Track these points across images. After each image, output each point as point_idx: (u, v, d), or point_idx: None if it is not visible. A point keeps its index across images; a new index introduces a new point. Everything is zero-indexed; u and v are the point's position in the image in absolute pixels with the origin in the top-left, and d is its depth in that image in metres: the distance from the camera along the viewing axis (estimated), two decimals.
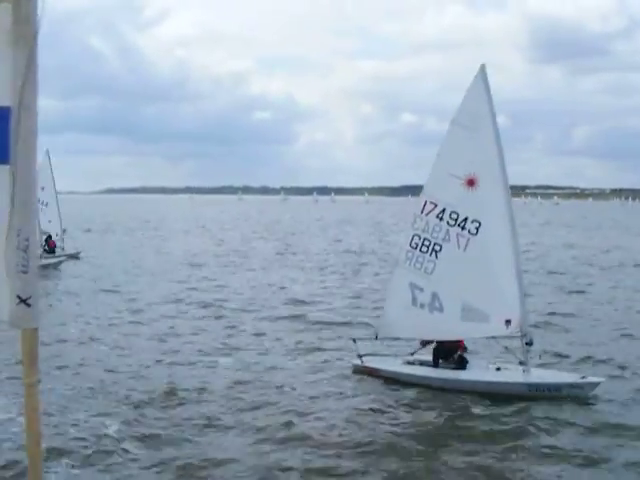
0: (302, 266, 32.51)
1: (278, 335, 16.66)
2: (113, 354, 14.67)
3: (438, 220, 12.20)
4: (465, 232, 11.99)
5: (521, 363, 12.01)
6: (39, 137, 2.14)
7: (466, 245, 12.00)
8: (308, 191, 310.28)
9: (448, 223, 12.12)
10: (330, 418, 10.70)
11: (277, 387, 12.29)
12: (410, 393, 12.06)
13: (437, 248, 12.25)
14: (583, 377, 11.68)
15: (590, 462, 9.14)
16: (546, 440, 9.89)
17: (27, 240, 2.09)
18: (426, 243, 12.35)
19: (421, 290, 12.45)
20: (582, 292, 24.31)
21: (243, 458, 9.11)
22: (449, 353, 12.67)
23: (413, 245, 12.52)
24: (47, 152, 32.08)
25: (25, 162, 2.06)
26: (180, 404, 11.28)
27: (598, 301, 22.27)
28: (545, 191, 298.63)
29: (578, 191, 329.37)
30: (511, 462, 9.12)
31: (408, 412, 11.27)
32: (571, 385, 11.56)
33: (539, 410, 11.09)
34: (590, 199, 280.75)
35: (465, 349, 12.70)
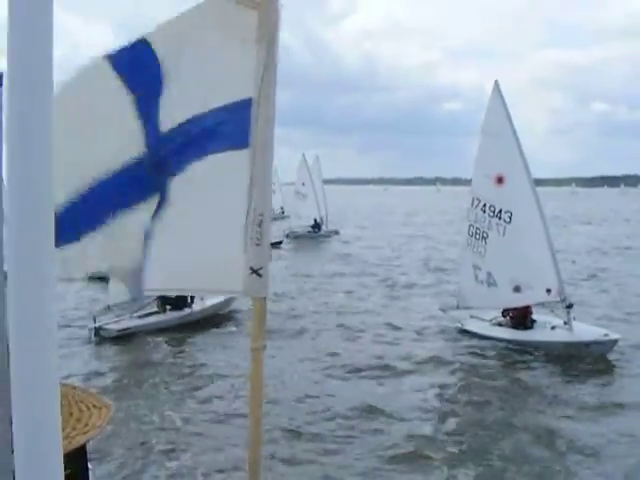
0: None
1: None
2: None
3: (482, 212, 14.95)
4: (501, 221, 14.61)
5: (565, 323, 14.33)
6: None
7: (504, 231, 14.59)
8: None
9: (489, 215, 14.81)
10: None
11: None
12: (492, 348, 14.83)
13: (485, 235, 15.01)
14: (606, 335, 13.66)
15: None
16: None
17: (261, 215, 2.29)
18: (478, 232, 15.16)
19: (480, 269, 15.31)
20: None
21: None
22: (523, 316, 15.33)
23: (470, 233, 15.40)
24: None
25: (263, 146, 2.28)
26: None
27: None
28: None
29: None
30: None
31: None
32: (596, 342, 13.66)
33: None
34: None
35: (531, 312, 15.24)
